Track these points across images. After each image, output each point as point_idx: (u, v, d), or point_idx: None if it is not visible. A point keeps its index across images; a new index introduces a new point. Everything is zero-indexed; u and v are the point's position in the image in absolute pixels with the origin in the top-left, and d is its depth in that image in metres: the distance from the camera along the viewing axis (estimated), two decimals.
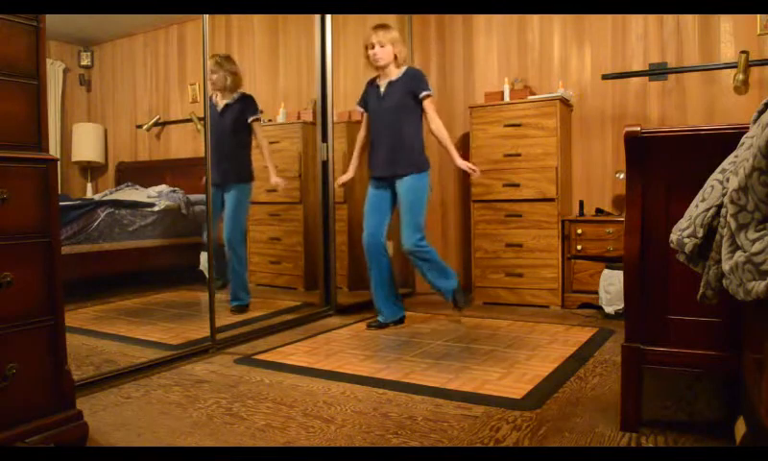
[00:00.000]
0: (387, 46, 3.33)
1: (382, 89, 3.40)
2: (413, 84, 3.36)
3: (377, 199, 3.45)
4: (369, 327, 3.43)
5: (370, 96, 3.48)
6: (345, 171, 4.66)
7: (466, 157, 4.15)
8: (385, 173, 3.39)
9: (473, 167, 3.46)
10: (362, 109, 3.55)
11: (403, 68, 3.41)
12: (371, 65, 3.42)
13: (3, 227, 1.59)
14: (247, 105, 3.82)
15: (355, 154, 3.64)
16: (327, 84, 3.88)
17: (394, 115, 3.34)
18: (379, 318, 3.44)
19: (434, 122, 3.38)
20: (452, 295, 3.46)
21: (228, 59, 3.85)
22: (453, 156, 3.41)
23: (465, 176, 4.30)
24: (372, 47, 3.34)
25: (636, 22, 3.94)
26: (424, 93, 3.35)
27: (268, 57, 5.26)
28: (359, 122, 4.66)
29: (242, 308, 3.83)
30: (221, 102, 3.81)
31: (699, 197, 1.35)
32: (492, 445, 1.79)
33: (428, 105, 3.38)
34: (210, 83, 3.72)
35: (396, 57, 3.36)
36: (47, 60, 1.85)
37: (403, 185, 3.34)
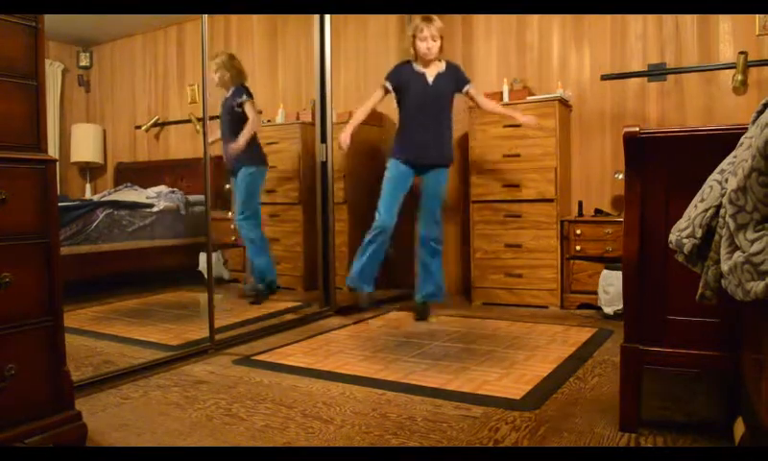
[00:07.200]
0: (438, 41, 3.43)
1: (430, 78, 3.46)
2: (457, 76, 3.53)
3: (402, 178, 3.48)
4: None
5: (410, 80, 3.48)
6: (345, 171, 4.66)
7: (465, 157, 4.18)
8: (424, 160, 3.45)
9: (531, 119, 3.57)
10: (390, 85, 3.52)
11: (444, 61, 3.53)
12: (415, 53, 3.47)
13: (2, 227, 1.59)
14: (238, 93, 4.13)
15: (361, 114, 3.57)
16: (327, 84, 3.87)
17: (440, 106, 3.45)
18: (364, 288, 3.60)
19: (485, 102, 3.62)
20: (425, 300, 3.62)
21: (232, 57, 4.22)
22: (517, 117, 3.56)
23: (464, 176, 4.32)
24: (425, 39, 3.40)
25: (635, 22, 3.95)
26: (469, 86, 3.55)
27: (267, 57, 5.26)
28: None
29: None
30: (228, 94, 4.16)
31: (698, 197, 1.35)
32: (491, 445, 1.79)
33: (475, 92, 3.60)
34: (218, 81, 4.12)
35: (440, 49, 3.47)
36: (46, 61, 1.85)
37: (437, 176, 3.45)
